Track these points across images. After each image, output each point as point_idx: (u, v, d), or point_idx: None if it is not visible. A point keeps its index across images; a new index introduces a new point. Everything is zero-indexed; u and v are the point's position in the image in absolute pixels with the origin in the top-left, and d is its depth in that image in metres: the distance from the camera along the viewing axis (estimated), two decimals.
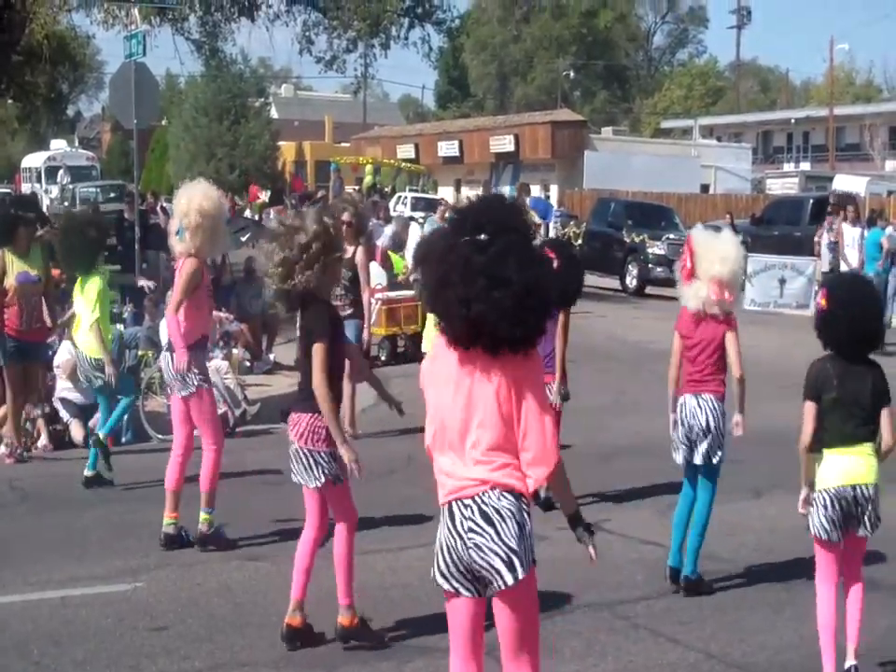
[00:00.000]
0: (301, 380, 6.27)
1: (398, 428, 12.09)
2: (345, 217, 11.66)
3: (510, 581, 3.97)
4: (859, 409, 5.69)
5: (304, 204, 34.49)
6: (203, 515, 7.75)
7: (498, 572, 3.98)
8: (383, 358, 16.49)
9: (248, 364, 15.11)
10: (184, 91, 60.60)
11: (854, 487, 5.65)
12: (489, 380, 4.01)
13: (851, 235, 19.41)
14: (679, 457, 7.21)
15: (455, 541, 4.04)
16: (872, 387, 5.70)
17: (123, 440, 11.42)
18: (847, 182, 37.45)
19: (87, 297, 9.89)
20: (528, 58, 79.61)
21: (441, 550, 4.09)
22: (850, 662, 5.75)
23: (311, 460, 6.02)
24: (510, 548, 3.96)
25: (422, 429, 12.37)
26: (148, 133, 51.93)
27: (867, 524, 5.69)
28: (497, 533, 3.98)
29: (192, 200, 7.83)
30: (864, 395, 5.69)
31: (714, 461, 7.12)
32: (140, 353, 13.21)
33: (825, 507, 5.68)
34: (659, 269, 26.56)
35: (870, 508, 5.67)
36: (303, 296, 6.05)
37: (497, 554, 3.97)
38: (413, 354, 16.71)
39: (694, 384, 7.15)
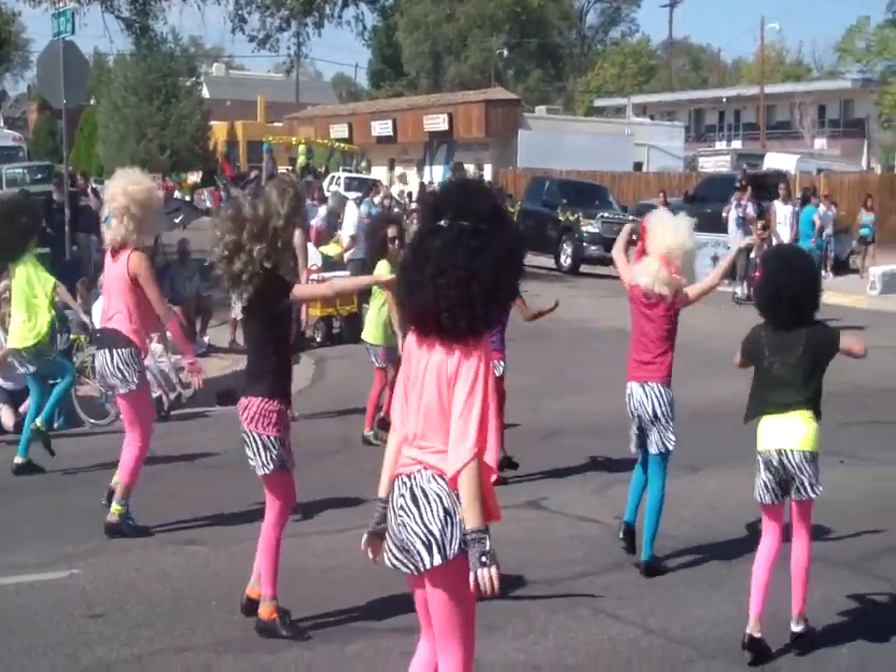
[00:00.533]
0: (249, 363, 6.18)
1: (334, 410, 12.08)
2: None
3: (427, 564, 3.94)
4: (787, 376, 5.83)
5: (237, 185, 34.23)
6: (114, 506, 7.59)
7: (418, 553, 3.95)
8: (318, 339, 16.42)
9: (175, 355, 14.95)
10: (113, 69, 59.64)
11: (780, 452, 5.80)
12: (436, 366, 3.97)
13: (783, 213, 19.64)
14: (632, 447, 7.27)
15: (391, 517, 4.06)
16: (801, 354, 5.81)
17: (56, 425, 11.24)
18: (778, 160, 37.89)
19: (20, 286, 9.69)
20: (462, 37, 79.37)
21: (387, 528, 4.11)
22: (795, 627, 5.84)
23: (260, 444, 5.95)
24: (430, 531, 3.93)
25: (357, 411, 12.39)
26: (77, 113, 51.18)
27: (800, 489, 5.80)
28: (421, 515, 3.95)
29: (120, 186, 7.73)
30: (792, 362, 5.82)
31: (670, 447, 7.12)
32: (72, 336, 13.01)
33: (759, 470, 5.90)
34: (593, 247, 26.74)
35: (800, 473, 5.77)
36: (258, 289, 5.94)
37: (417, 536, 3.95)
38: (349, 335, 16.70)
39: (642, 369, 7.11)
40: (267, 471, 5.97)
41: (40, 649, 5.81)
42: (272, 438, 5.95)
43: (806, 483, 5.79)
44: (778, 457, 5.80)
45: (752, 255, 23.32)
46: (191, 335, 15.53)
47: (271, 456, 5.95)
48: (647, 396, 7.05)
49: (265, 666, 5.68)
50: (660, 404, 7.03)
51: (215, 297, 16.81)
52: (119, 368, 7.66)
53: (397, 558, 4.05)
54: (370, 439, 10.42)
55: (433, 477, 3.96)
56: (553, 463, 9.64)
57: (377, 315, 10.53)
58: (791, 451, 5.78)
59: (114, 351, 7.69)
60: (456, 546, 3.92)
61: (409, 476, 4.02)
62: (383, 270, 10.20)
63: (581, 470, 9.55)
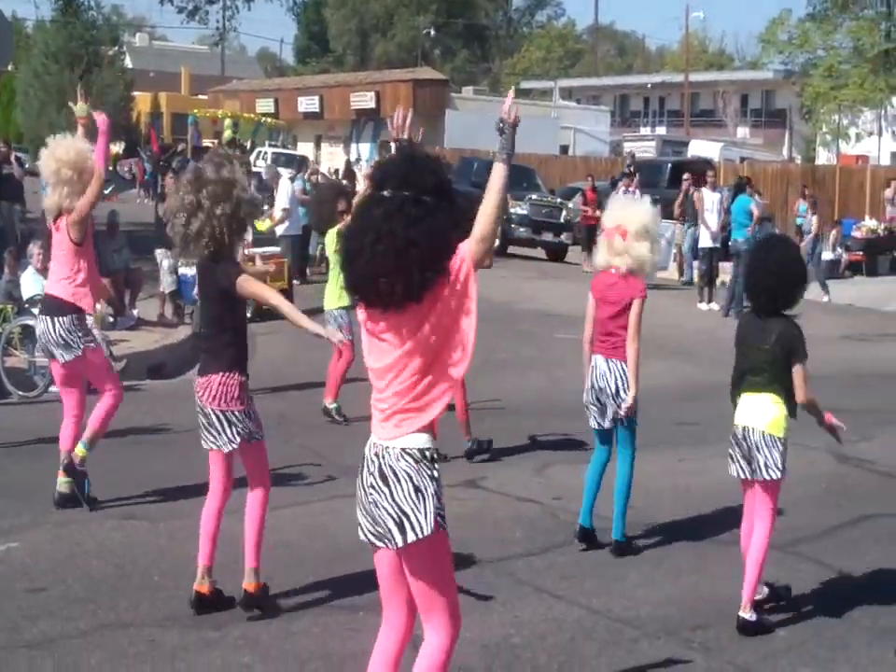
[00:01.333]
0: (205, 341, 6.12)
1: (268, 387, 12.00)
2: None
3: (399, 542, 3.96)
4: (756, 359, 6.03)
5: (162, 157, 33.78)
6: (79, 448, 7.58)
7: (390, 532, 3.97)
8: (248, 315, 16.25)
9: (111, 320, 14.74)
10: (32, 36, 58.42)
11: (743, 429, 6.03)
12: (391, 336, 3.99)
13: (711, 200, 19.84)
14: (591, 421, 7.25)
15: (362, 495, 4.07)
16: (774, 341, 5.97)
17: None
18: (702, 147, 38.34)
19: None
20: (389, 15, 78.98)
21: (357, 502, 4.11)
22: (741, 613, 5.95)
23: (224, 421, 5.90)
24: (401, 510, 3.94)
25: (291, 387, 12.33)
26: None
27: (757, 469, 5.97)
28: (391, 493, 3.96)
29: (50, 153, 7.62)
30: (763, 347, 5.99)
31: (626, 424, 7.16)
32: None
33: (731, 445, 6.13)
34: (521, 229, 26.86)
35: (758, 453, 5.95)
36: (213, 253, 5.91)
37: (389, 515, 3.96)
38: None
39: (606, 348, 7.15)
40: (234, 446, 5.93)
41: None
42: (236, 413, 5.91)
43: (761, 464, 5.95)
44: (742, 433, 6.04)
45: (679, 242, 23.70)
46: (120, 308, 15.37)
47: (236, 430, 5.91)
48: (611, 371, 7.08)
49: (211, 642, 5.65)
50: (623, 381, 7.06)
51: (143, 270, 16.63)
52: (60, 335, 7.58)
53: (371, 532, 4.06)
54: (332, 411, 10.30)
55: (401, 455, 3.97)
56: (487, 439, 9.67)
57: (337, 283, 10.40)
58: (753, 429, 5.99)
59: (55, 319, 7.60)
60: (431, 521, 3.94)
61: (377, 455, 4.02)
62: (332, 239, 10.22)
63: (519, 450, 9.62)
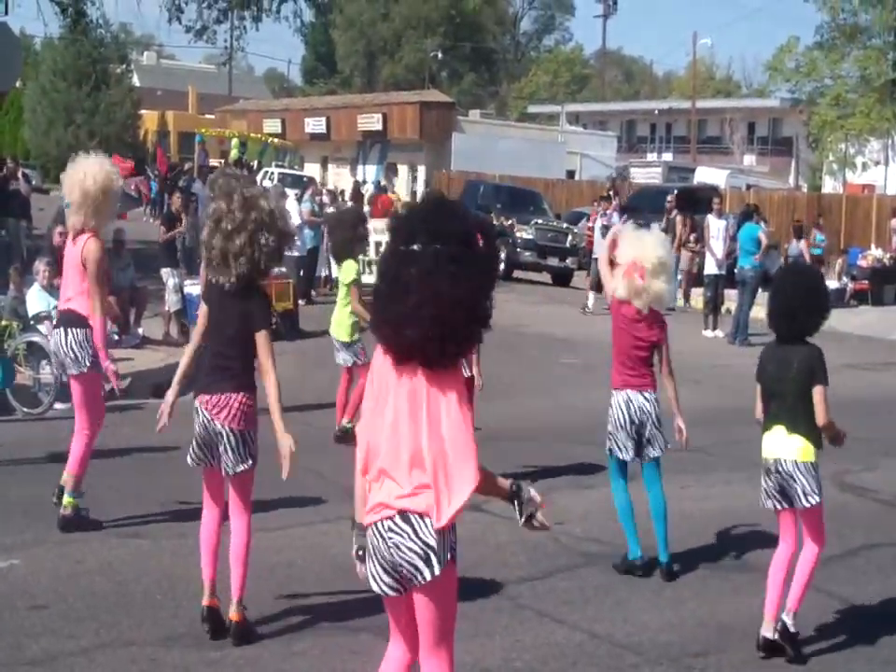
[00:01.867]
0: (219, 357, 6.03)
1: (261, 407, 11.99)
2: None
3: (427, 576, 3.92)
4: (780, 391, 6.09)
5: (167, 178, 33.85)
6: (67, 499, 7.47)
7: (417, 568, 3.93)
8: None
9: (116, 338, 14.77)
10: (41, 53, 58.72)
11: (776, 461, 6.08)
12: (415, 392, 3.92)
13: (717, 227, 19.85)
14: (622, 454, 7.42)
15: (378, 543, 4.00)
16: (797, 368, 6.02)
17: None
18: (709, 174, 38.40)
19: None
20: (396, 37, 79.34)
21: (369, 553, 4.05)
22: (783, 616, 6.01)
23: (241, 440, 5.94)
24: (426, 544, 3.91)
25: (296, 408, 12.26)
26: (2, 96, 50.27)
27: (797, 497, 6.03)
28: (415, 531, 3.92)
29: (80, 171, 7.63)
30: (786, 377, 6.05)
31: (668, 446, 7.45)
32: (3, 323, 12.79)
33: (761, 478, 6.18)
34: (527, 253, 26.92)
35: (793, 482, 6.01)
36: (245, 276, 5.85)
37: (414, 552, 3.92)
38: (285, 332, 16.63)
39: (632, 377, 7.38)
40: (245, 467, 5.96)
41: None
42: (251, 433, 5.96)
43: (799, 492, 6.01)
44: (775, 466, 6.08)
45: (683, 267, 23.72)
46: (125, 326, 15.40)
47: (249, 452, 5.93)
48: (648, 402, 7.32)
49: (212, 662, 5.64)
50: (656, 409, 7.35)
51: (148, 288, 16.67)
52: (72, 348, 7.61)
53: (385, 582, 4.01)
54: (348, 429, 10.24)
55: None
56: (494, 467, 9.57)
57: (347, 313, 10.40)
58: (785, 461, 6.04)
59: (69, 330, 7.63)
60: (448, 552, 3.95)
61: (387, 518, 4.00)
62: (355, 270, 10.18)
63: (521, 475, 9.59)
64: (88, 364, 7.62)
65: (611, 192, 23.02)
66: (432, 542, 3.91)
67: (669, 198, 23.55)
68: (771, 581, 6.13)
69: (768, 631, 6.00)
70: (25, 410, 11.38)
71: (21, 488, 8.46)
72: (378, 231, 21.32)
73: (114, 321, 15.07)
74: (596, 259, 20.25)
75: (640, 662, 5.92)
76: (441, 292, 3.77)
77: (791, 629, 6.01)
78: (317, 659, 5.74)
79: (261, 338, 5.89)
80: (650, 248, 7.14)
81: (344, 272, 10.38)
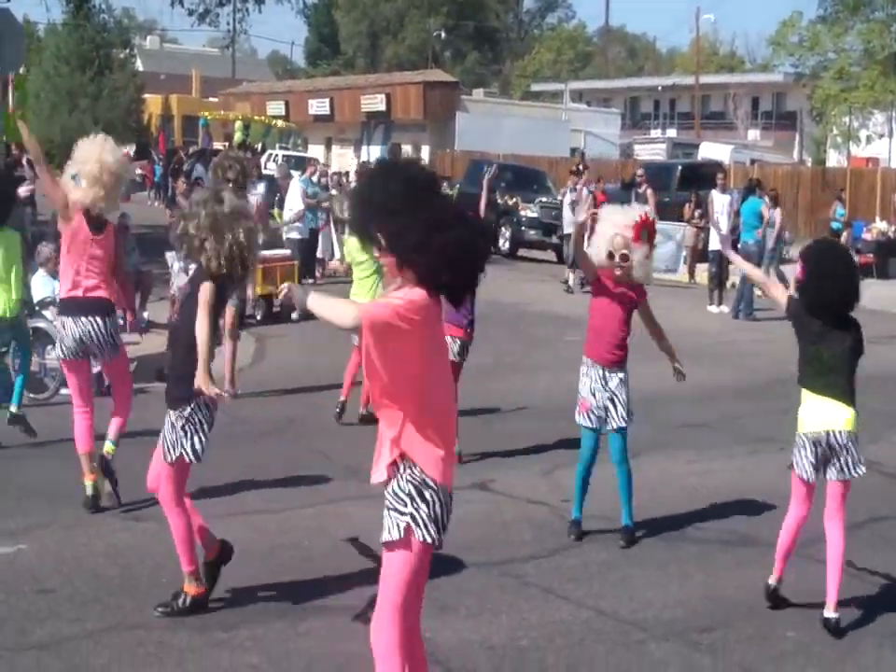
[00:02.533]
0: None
1: (278, 389, 12.03)
2: (230, 174, 11.47)
3: (383, 538, 4.24)
4: (836, 365, 6.10)
5: (172, 160, 33.84)
6: (109, 446, 7.76)
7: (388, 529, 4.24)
8: (258, 318, 16.33)
9: (121, 321, 14.75)
10: (43, 39, 58.61)
11: (828, 433, 6.07)
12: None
13: (721, 202, 19.78)
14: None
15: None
16: (850, 346, 6.11)
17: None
18: (713, 150, 38.32)
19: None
20: (399, 17, 79.09)
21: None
22: (829, 614, 6.04)
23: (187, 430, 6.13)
24: (391, 506, 4.21)
25: (300, 390, 12.28)
26: (5, 82, 50.21)
27: (844, 468, 6.07)
28: (394, 493, 4.22)
29: (96, 153, 7.56)
30: (842, 353, 6.10)
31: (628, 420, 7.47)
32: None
33: (805, 449, 6.11)
34: (532, 231, 26.89)
35: (845, 453, 6.05)
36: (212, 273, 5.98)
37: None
38: (289, 313, 16.62)
39: (607, 353, 7.40)
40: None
41: None
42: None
43: (850, 463, 6.06)
44: (826, 438, 6.06)
45: (688, 244, 23.67)
46: (132, 310, 15.37)
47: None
48: (612, 376, 7.39)
49: (218, 643, 5.66)
50: (619, 382, 7.41)
51: (153, 272, 16.67)
52: (111, 334, 7.74)
53: None
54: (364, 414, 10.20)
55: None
56: (499, 445, 9.69)
57: (369, 288, 10.35)
58: (840, 432, 6.05)
59: (106, 318, 7.73)
60: (403, 525, 4.18)
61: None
62: (353, 244, 10.19)
63: (527, 452, 9.61)
64: (120, 343, 7.88)
65: (580, 166, 22.73)
66: (397, 504, 4.19)
67: (640, 171, 23.50)
68: (783, 546, 6.27)
69: (773, 579, 6.27)
70: (31, 395, 11.38)
71: (26, 473, 8.49)
72: None
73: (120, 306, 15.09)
74: (569, 236, 20.22)
75: (646, 638, 5.93)
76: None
77: (836, 622, 6.05)
78: (323, 639, 5.75)
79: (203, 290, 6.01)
80: (625, 226, 7.15)
81: (353, 247, 10.36)
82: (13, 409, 9.51)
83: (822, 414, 6.10)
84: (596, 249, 7.24)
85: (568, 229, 21.02)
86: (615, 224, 7.15)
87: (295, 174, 25.00)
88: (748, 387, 12.86)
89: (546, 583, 6.63)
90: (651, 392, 12.30)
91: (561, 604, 6.33)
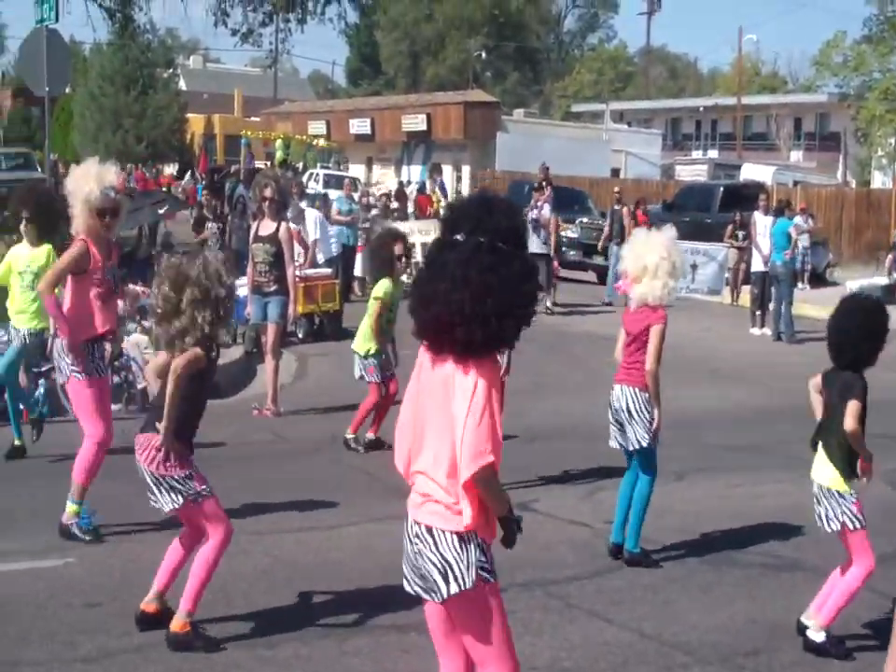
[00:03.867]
0: (156, 398, 5.98)
1: (320, 407, 12.10)
2: (267, 192, 11.59)
3: (444, 593, 3.92)
4: (826, 415, 6.13)
5: (213, 179, 34.08)
6: (70, 505, 7.33)
7: (435, 583, 3.94)
8: (300, 336, 16.42)
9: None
10: (89, 59, 59.34)
11: (812, 483, 6.18)
12: (443, 381, 3.94)
13: (763, 224, 19.72)
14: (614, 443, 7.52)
15: (407, 546, 4.05)
16: (837, 393, 6.02)
17: (41, 413, 11.19)
18: (755, 171, 38.15)
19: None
20: (440, 37, 79.46)
21: (403, 553, 4.09)
22: (810, 633, 6.07)
23: (164, 486, 5.78)
24: (445, 559, 3.90)
25: (341, 408, 12.28)
26: (52, 101, 50.85)
27: (819, 519, 6.12)
28: (436, 543, 3.93)
29: (75, 180, 7.54)
30: (830, 403, 6.09)
31: (643, 445, 7.32)
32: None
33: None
34: (572, 252, 26.84)
35: (818, 505, 6.09)
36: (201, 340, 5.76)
37: (434, 565, 3.92)
38: (331, 331, 16.71)
39: (622, 372, 7.43)
40: (177, 506, 5.83)
41: (39, 637, 5.81)
42: (175, 478, 5.77)
43: (823, 516, 6.06)
44: (812, 488, 6.16)
45: (731, 265, 23.62)
46: None
47: (180, 494, 5.80)
48: (623, 395, 7.34)
49: (264, 660, 5.69)
50: (635, 404, 7.31)
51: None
52: (55, 357, 7.59)
53: (417, 584, 4.05)
54: (350, 442, 10.24)
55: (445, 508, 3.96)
56: (541, 466, 9.69)
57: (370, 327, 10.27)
58: (819, 485, 6.10)
59: (54, 339, 7.65)
60: (473, 573, 3.91)
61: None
62: (384, 287, 10.10)
63: (569, 473, 9.61)
64: (68, 372, 7.49)
65: (543, 182, 22.45)
66: (450, 557, 3.89)
67: (617, 188, 23.61)
68: (827, 585, 6.20)
69: (805, 617, 6.15)
70: None
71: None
72: (420, 232, 21.34)
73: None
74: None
75: (690, 661, 5.91)
76: (472, 278, 3.82)
77: (817, 639, 6.02)
78: (368, 657, 5.77)
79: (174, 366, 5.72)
80: (637, 251, 7.24)
81: (377, 288, 10.25)
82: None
83: (814, 463, 6.18)
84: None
85: (533, 248, 20.78)
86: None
87: (335, 192, 25.12)
88: (790, 410, 12.69)
89: (589, 605, 6.63)
90: (693, 415, 12.30)
91: (604, 626, 6.33)
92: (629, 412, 7.28)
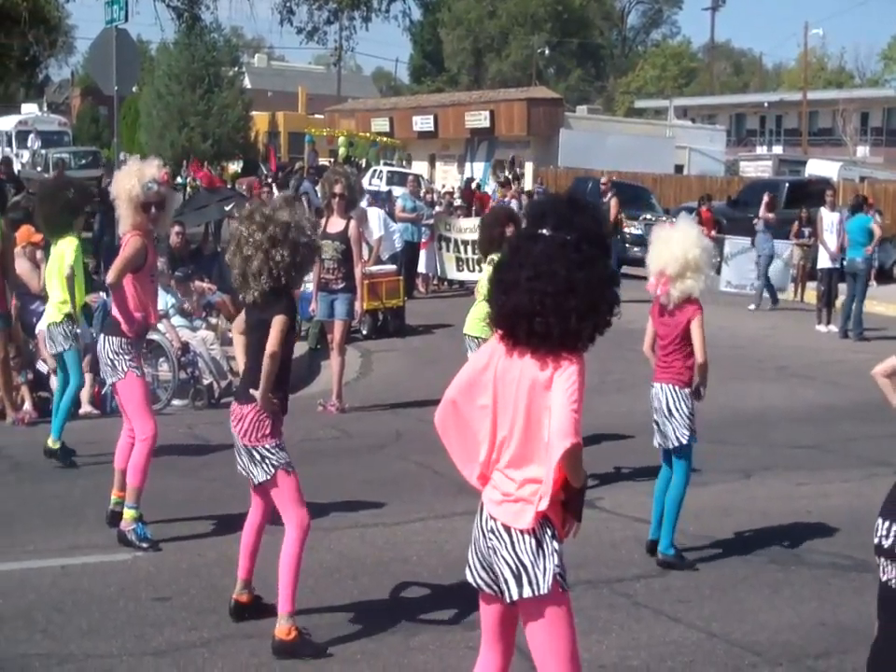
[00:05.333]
0: (248, 372, 5.97)
1: (385, 403, 12.14)
2: (337, 189, 11.61)
3: (514, 595, 3.89)
4: None
5: (278, 177, 34.32)
6: (126, 511, 7.25)
7: (507, 583, 3.90)
8: (364, 332, 16.48)
9: (231, 335, 14.99)
10: (156, 58, 59.98)
11: None
12: (529, 377, 3.92)
13: (830, 220, 19.46)
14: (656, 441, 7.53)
15: (479, 538, 4.02)
16: None
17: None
18: (820, 167, 37.68)
19: (59, 260, 9.60)
20: (503, 34, 79.36)
21: (472, 543, 4.07)
22: None
23: (252, 456, 5.81)
24: (521, 562, 3.87)
25: (407, 405, 12.29)
26: (120, 100, 51.44)
27: None
28: (513, 543, 3.90)
29: (117, 181, 7.54)
30: None
31: (683, 441, 7.29)
32: None
33: None
34: (636, 249, 26.65)
35: None
36: (270, 290, 5.78)
37: (507, 565, 3.90)
38: (395, 328, 16.76)
39: (659, 371, 7.44)
40: (268, 477, 5.81)
41: (109, 630, 5.89)
42: (265, 448, 5.80)
43: None
44: None
45: (795, 262, 23.36)
46: None
47: (271, 463, 5.80)
48: (663, 392, 7.35)
49: (330, 656, 5.70)
50: (673, 401, 7.29)
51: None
52: (108, 356, 7.48)
53: (481, 577, 4.02)
54: None
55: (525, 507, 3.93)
56: (606, 463, 9.64)
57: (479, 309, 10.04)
58: None
59: (107, 337, 7.55)
60: (550, 579, 3.87)
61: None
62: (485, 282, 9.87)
63: (634, 471, 9.55)
64: (125, 368, 7.43)
65: (511, 177, 22.05)
66: (526, 560, 3.86)
67: (604, 180, 23.38)
68: None
69: None
70: None
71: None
72: (468, 231, 21.22)
73: (227, 318, 15.33)
74: None
75: (759, 662, 5.85)
76: (557, 273, 3.82)
77: None
78: (434, 654, 5.78)
79: (275, 322, 5.77)
80: (674, 249, 7.10)
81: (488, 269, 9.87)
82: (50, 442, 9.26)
83: None
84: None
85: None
86: (658, 275, 7.23)
87: (399, 189, 25.18)
88: (858, 408, 12.60)
89: (656, 604, 6.59)
90: (760, 413, 12.19)
91: (671, 625, 6.28)
92: (668, 409, 7.29)
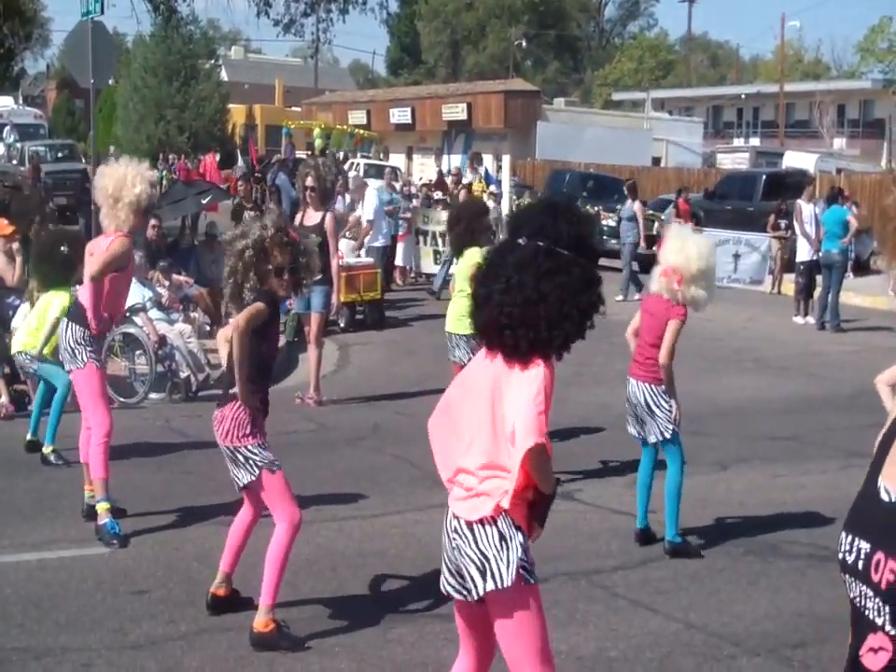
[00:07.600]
0: (227, 371, 5.95)
1: (363, 396, 12.13)
2: (308, 181, 11.58)
3: (481, 589, 3.83)
4: None
5: (255, 171, 34.16)
6: (99, 505, 7.20)
7: (473, 580, 3.85)
8: (342, 325, 16.46)
9: (208, 328, 14.98)
10: (132, 50, 59.67)
11: None
12: (491, 378, 3.88)
13: (808, 212, 19.52)
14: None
15: (446, 542, 3.98)
16: None
17: None
18: (797, 159, 37.82)
19: (45, 310, 9.74)
20: (481, 26, 79.29)
21: (442, 550, 4.03)
22: None
23: (240, 457, 5.75)
24: (484, 555, 3.82)
25: (384, 397, 12.32)
26: (96, 93, 51.15)
27: None
28: (475, 539, 3.84)
29: (115, 181, 7.46)
30: None
31: (667, 436, 7.35)
32: None
33: None
34: (612, 241, 26.71)
35: None
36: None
37: (472, 561, 3.84)
38: (372, 321, 16.75)
39: (636, 366, 7.49)
40: (253, 478, 5.76)
41: (87, 623, 5.87)
42: (249, 447, 5.74)
43: None
44: None
45: (774, 253, 23.45)
46: (217, 319, 15.59)
47: (255, 463, 5.75)
48: (640, 390, 7.39)
49: (308, 648, 5.70)
50: (651, 397, 7.35)
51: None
52: (69, 343, 7.47)
53: (451, 584, 3.97)
54: None
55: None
56: (584, 455, 9.67)
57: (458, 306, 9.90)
58: None
59: (70, 325, 7.52)
60: (513, 572, 3.80)
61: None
62: (476, 254, 9.61)
63: (612, 463, 9.57)
64: (84, 358, 7.42)
65: (476, 179, 21.84)
66: (489, 553, 3.81)
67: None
68: None
69: None
70: (122, 399, 11.60)
71: (119, 475, 8.59)
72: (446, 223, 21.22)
73: (205, 312, 15.30)
74: None
75: (737, 652, 5.87)
76: (525, 283, 3.78)
77: None
78: (412, 646, 5.78)
79: (235, 324, 5.74)
80: (692, 259, 7.11)
81: (469, 257, 9.36)
82: (45, 449, 9.20)
83: None
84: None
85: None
86: (671, 268, 7.22)
87: (376, 181, 25.15)
88: (835, 399, 12.68)
89: (634, 595, 6.61)
90: (737, 404, 12.23)
91: (650, 616, 6.30)
92: (648, 407, 7.34)
